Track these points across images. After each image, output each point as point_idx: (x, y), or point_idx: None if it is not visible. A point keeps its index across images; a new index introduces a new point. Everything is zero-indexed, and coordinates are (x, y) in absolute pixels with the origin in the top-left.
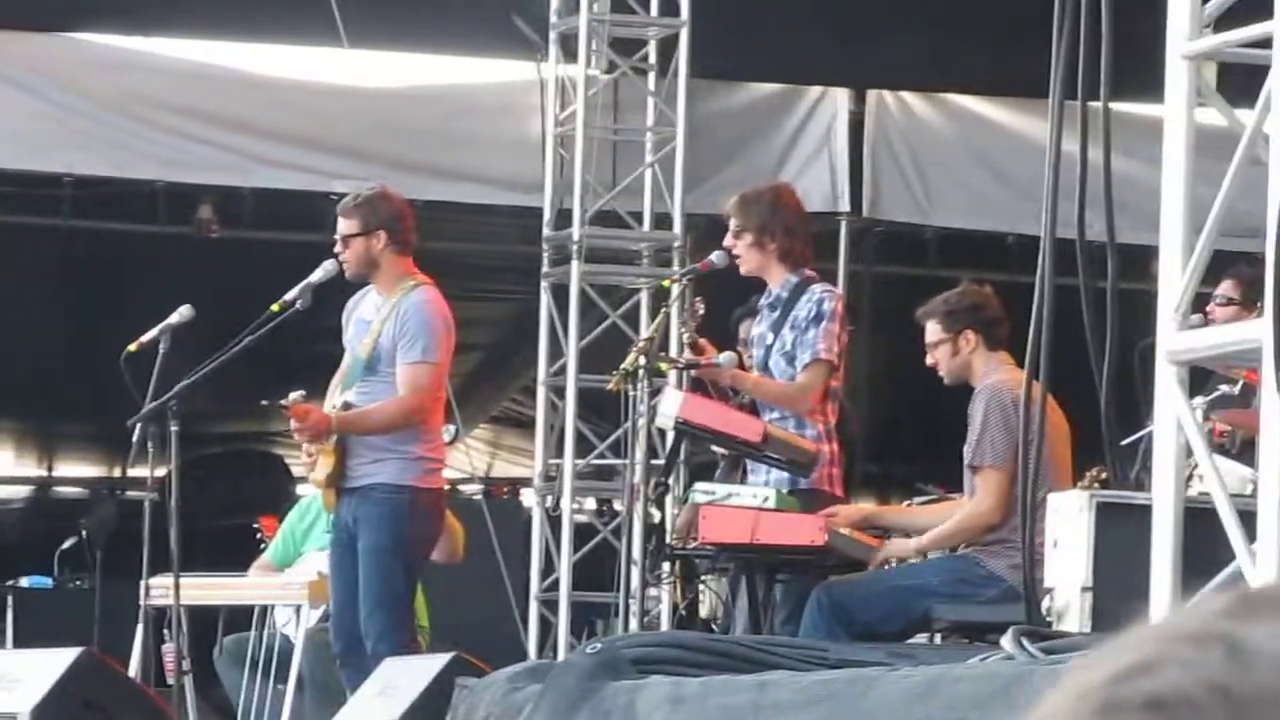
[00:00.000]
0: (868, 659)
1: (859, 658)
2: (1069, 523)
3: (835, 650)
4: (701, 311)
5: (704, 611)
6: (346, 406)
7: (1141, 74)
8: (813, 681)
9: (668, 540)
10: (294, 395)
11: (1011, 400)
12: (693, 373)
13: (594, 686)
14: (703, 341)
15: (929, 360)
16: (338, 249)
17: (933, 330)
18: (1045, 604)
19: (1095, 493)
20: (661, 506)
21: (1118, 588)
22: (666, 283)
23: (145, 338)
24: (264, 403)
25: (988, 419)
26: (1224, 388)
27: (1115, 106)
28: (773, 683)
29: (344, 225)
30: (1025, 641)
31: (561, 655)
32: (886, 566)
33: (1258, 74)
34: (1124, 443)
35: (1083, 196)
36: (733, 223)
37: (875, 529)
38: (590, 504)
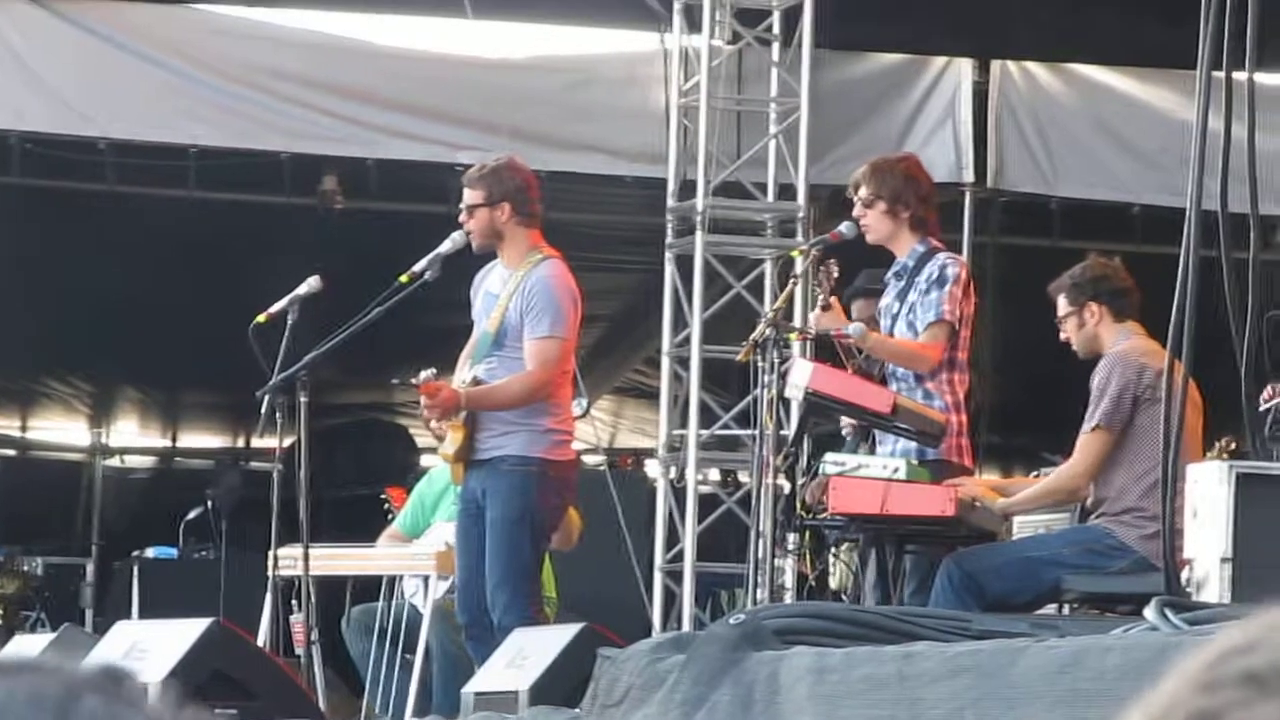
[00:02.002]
0: (1011, 630)
1: (1003, 628)
2: (1208, 493)
3: (978, 621)
4: (836, 275)
5: (833, 583)
6: (476, 382)
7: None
8: (958, 652)
9: (797, 511)
10: (424, 374)
11: (1137, 366)
12: (831, 337)
13: (737, 657)
14: (834, 300)
15: (1062, 335)
16: (462, 219)
17: (1061, 304)
18: (1184, 575)
19: (1235, 463)
20: (791, 477)
21: (1258, 558)
22: (795, 252)
23: (274, 309)
24: (394, 381)
25: (1105, 384)
26: None
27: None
28: (918, 654)
29: (469, 195)
30: (1169, 612)
31: (686, 626)
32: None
33: None
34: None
35: (1225, 168)
36: (863, 191)
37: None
38: (714, 474)
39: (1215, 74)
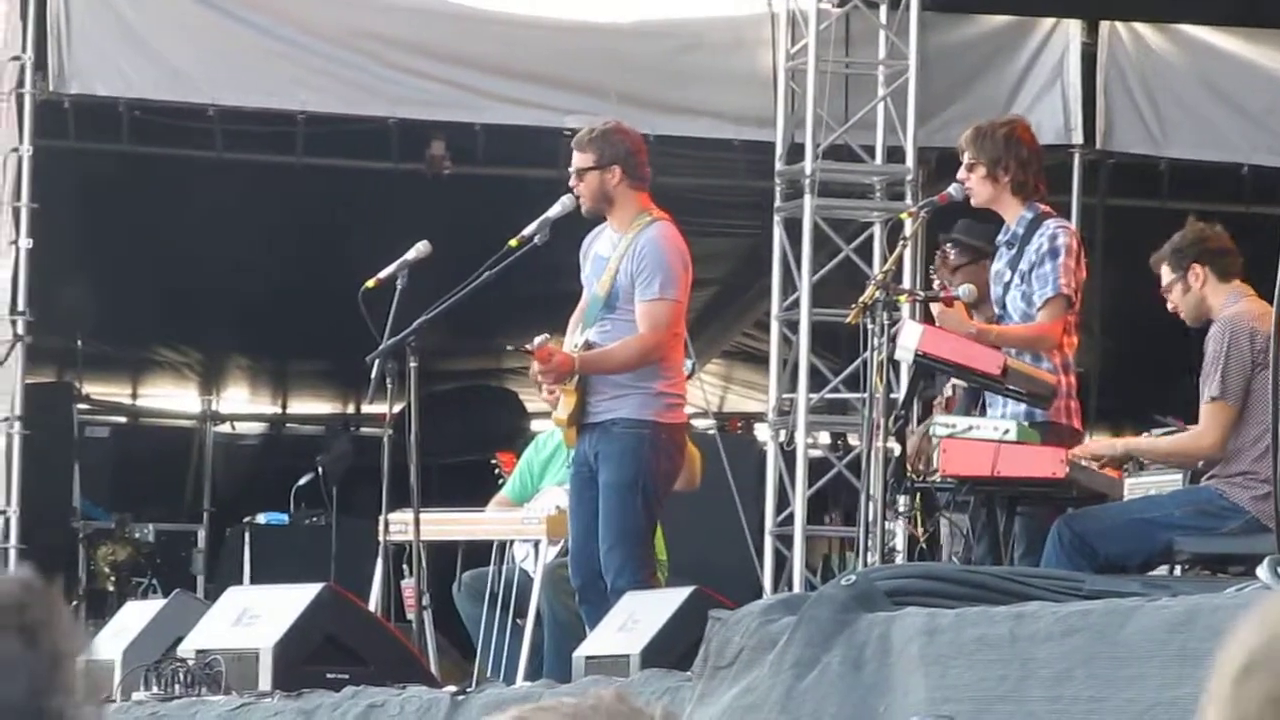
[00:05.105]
0: (1123, 589)
1: (1115, 588)
2: None
3: (1090, 581)
4: (951, 259)
5: (944, 545)
6: (588, 345)
7: None
8: (1070, 612)
9: (907, 474)
10: (539, 339)
11: (1248, 332)
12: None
13: (849, 619)
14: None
15: (1170, 306)
16: (572, 183)
17: (1165, 273)
18: None
19: None
20: (901, 439)
21: None
22: (904, 215)
23: (383, 274)
24: (509, 347)
25: (1219, 351)
26: None
27: None
28: (1029, 614)
29: (579, 159)
30: None
31: (796, 589)
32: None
33: None
34: None
35: None
36: (966, 155)
37: (1117, 461)
38: (824, 438)
39: None
